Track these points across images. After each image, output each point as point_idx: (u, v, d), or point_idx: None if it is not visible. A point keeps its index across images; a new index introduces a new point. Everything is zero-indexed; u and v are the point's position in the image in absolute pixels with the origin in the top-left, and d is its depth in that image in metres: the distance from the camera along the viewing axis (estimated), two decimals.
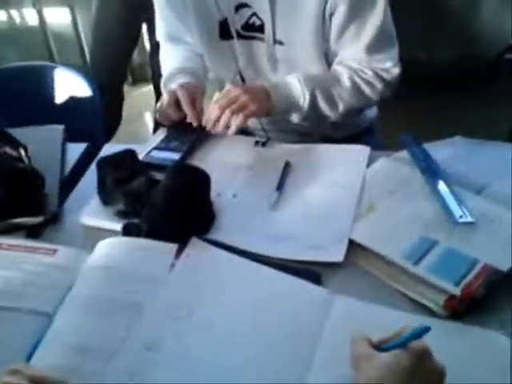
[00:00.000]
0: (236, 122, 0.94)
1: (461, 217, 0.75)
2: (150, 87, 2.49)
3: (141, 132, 2.50)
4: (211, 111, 0.97)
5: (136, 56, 2.99)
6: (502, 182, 0.83)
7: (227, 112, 0.94)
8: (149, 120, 2.80)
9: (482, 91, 2.56)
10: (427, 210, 0.79)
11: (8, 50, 3.36)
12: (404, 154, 0.94)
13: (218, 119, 0.96)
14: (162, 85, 1.18)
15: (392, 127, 1.35)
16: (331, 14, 0.99)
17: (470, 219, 0.75)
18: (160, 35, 1.23)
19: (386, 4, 0.99)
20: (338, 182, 0.89)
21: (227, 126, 0.95)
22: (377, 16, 0.99)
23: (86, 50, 2.90)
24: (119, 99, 2.27)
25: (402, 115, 2.16)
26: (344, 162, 0.94)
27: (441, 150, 0.93)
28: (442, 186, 0.82)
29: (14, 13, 3.21)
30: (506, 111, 2.26)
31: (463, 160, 0.90)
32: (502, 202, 0.78)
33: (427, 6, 2.73)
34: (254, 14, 1.04)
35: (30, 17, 3.01)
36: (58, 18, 3.03)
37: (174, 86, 1.08)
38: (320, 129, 1.15)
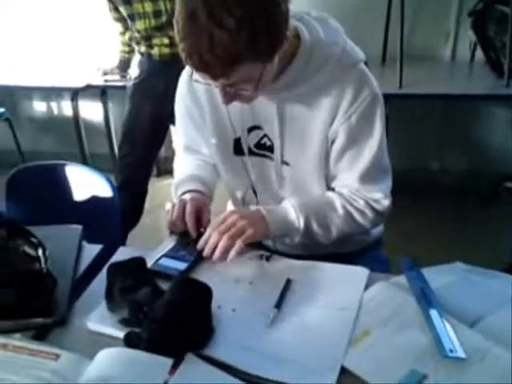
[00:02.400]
0: (235, 249, 0.99)
1: (451, 351, 0.77)
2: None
3: (162, 222, 2.59)
4: (209, 237, 1.02)
5: (162, 150, 3.17)
6: (496, 316, 0.85)
7: (225, 237, 1.00)
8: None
9: (485, 213, 2.61)
10: (419, 342, 0.80)
11: (44, 138, 3.60)
12: (402, 278, 0.97)
13: (216, 244, 1.01)
14: (172, 189, 1.25)
15: (398, 237, 1.39)
16: (332, 142, 1.08)
17: (460, 354, 0.76)
18: (177, 145, 1.33)
19: (382, 137, 1.07)
20: (336, 304, 0.92)
21: (226, 251, 1.00)
22: (372, 148, 1.07)
23: (115, 142, 3.08)
24: (143, 193, 2.38)
25: (411, 223, 2.21)
26: (343, 283, 0.97)
27: (438, 277, 0.95)
28: (435, 316, 0.84)
29: (54, 104, 3.48)
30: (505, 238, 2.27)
31: (460, 289, 0.93)
32: (494, 338, 0.79)
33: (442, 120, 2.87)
34: (266, 135, 1.14)
35: (67, 109, 3.25)
36: (92, 111, 3.26)
37: (183, 190, 1.17)
38: (325, 245, 1.19)
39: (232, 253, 1.00)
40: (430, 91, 2.34)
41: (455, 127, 2.82)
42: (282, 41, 0.89)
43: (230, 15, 0.81)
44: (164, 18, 2.10)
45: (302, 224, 1.08)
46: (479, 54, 2.57)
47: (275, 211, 1.09)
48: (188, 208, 1.09)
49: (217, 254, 1.00)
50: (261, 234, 1.06)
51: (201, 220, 1.11)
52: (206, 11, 0.81)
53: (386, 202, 1.12)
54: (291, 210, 1.08)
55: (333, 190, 1.15)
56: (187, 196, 1.15)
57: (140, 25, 2.13)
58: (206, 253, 1.02)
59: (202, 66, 0.87)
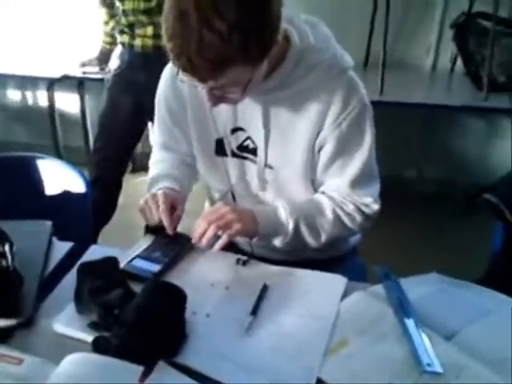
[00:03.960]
0: (219, 242, 0.99)
1: (428, 365, 0.76)
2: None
3: (136, 220, 2.54)
4: (198, 225, 1.02)
5: (139, 146, 3.11)
6: (472, 330, 0.84)
7: (212, 227, 0.99)
8: None
9: (460, 223, 2.63)
10: (396, 354, 0.79)
11: (17, 128, 3.50)
12: (379, 288, 0.96)
13: (203, 233, 1.00)
14: (147, 187, 1.22)
15: (373, 245, 1.38)
16: (320, 149, 1.06)
17: (437, 369, 0.75)
18: (155, 142, 1.30)
19: (372, 144, 1.06)
20: (313, 312, 0.90)
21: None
22: (362, 155, 1.06)
23: (91, 135, 3.02)
24: (117, 188, 2.33)
25: (388, 231, 2.22)
26: (320, 291, 0.96)
27: (415, 288, 0.95)
28: (412, 328, 0.83)
29: (29, 94, 3.38)
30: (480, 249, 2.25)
31: (437, 301, 0.92)
32: (470, 353, 0.79)
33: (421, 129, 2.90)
34: (249, 137, 1.11)
35: (42, 99, 3.16)
36: (68, 103, 3.18)
37: (157, 188, 1.14)
38: (304, 250, 1.17)
39: (216, 246, 1.00)
40: (410, 100, 2.36)
41: (433, 136, 2.85)
42: (272, 45, 0.88)
43: (222, 18, 0.79)
44: (153, 3, 2.04)
45: (291, 226, 1.06)
46: (460, 65, 2.60)
47: (266, 211, 1.08)
48: (161, 205, 1.06)
49: (204, 241, 1.00)
50: (248, 231, 1.05)
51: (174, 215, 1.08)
52: (197, 13, 0.79)
53: (376, 206, 1.11)
54: (282, 211, 1.07)
55: (322, 193, 1.13)
56: (159, 192, 1.12)
57: (128, 4, 2.06)
58: (194, 240, 1.03)
59: (190, 68, 0.85)
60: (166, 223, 1.06)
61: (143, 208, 1.09)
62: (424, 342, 0.80)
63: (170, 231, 1.06)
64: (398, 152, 2.93)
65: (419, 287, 0.96)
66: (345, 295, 0.94)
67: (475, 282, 1.00)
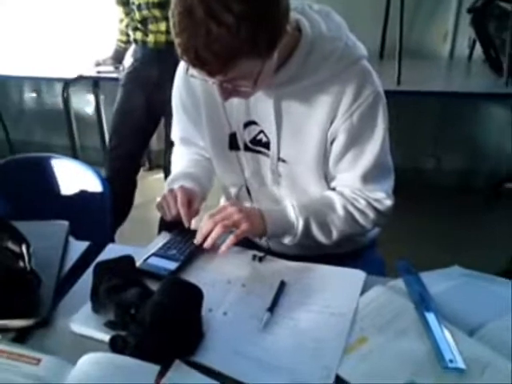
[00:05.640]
0: (226, 243, 0.98)
1: (451, 361, 0.73)
2: None
3: (153, 217, 2.55)
4: (204, 224, 1.01)
5: (154, 143, 3.12)
6: (497, 324, 0.81)
7: (219, 227, 0.98)
8: None
9: (482, 214, 2.58)
10: (417, 350, 0.77)
11: (35, 129, 3.55)
12: (399, 282, 0.93)
13: (209, 233, 0.99)
14: (165, 185, 1.22)
15: (392, 239, 1.36)
16: (332, 141, 1.04)
17: (460, 365, 0.73)
18: (175, 137, 1.30)
19: (385, 137, 1.03)
20: (331, 308, 0.88)
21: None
22: (374, 148, 1.03)
23: (106, 135, 3.03)
24: (132, 186, 2.34)
25: (406, 224, 2.18)
26: (339, 287, 0.94)
27: (437, 282, 0.92)
28: (434, 323, 0.81)
29: (45, 95, 3.42)
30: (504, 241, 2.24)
31: (459, 295, 0.90)
32: (495, 348, 0.76)
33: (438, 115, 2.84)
34: (262, 131, 1.10)
35: (58, 100, 3.19)
36: (84, 103, 3.21)
37: (175, 187, 1.13)
38: (321, 245, 1.15)
39: (222, 247, 0.99)
40: (427, 89, 2.31)
41: (452, 126, 2.79)
42: (282, 36, 0.86)
43: (229, 11, 0.77)
44: None
45: (300, 226, 1.05)
46: (478, 51, 2.53)
47: (274, 211, 1.07)
48: (179, 199, 1.06)
49: (208, 241, 0.99)
50: (256, 231, 1.03)
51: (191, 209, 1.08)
52: (203, 6, 0.78)
53: (388, 202, 1.09)
54: (291, 210, 1.05)
55: (333, 189, 1.11)
56: (176, 186, 1.12)
57: None
58: (197, 239, 1.01)
59: (198, 62, 0.84)
60: (183, 215, 1.06)
61: (161, 203, 1.10)
62: (446, 337, 0.78)
63: (186, 223, 1.06)
64: (416, 143, 2.89)
65: (441, 281, 0.93)
66: (364, 290, 0.92)
67: (499, 275, 0.97)
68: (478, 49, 2.50)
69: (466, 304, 0.87)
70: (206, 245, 1.00)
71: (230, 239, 0.98)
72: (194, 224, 1.09)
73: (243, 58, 0.82)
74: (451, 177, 2.88)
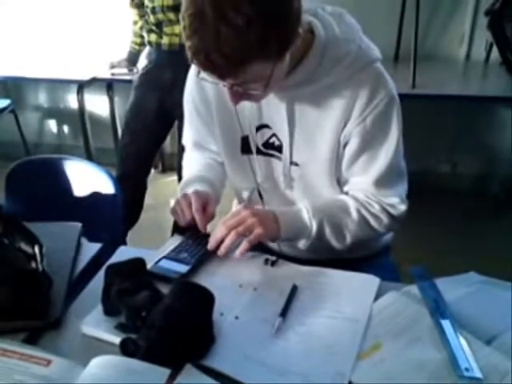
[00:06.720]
0: (240, 249, 0.97)
1: (467, 370, 0.72)
2: None
3: (165, 220, 2.55)
4: (218, 230, 1.00)
5: (168, 146, 3.13)
6: None
7: (233, 233, 0.97)
8: None
9: (498, 219, 2.54)
10: (432, 359, 0.75)
11: (50, 130, 3.58)
12: (414, 288, 0.92)
13: (222, 238, 0.98)
14: (178, 189, 1.21)
15: (406, 244, 1.34)
16: (345, 145, 1.03)
17: (477, 374, 0.71)
18: (186, 141, 1.30)
19: (399, 141, 1.02)
20: (345, 314, 0.87)
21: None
22: (388, 152, 1.02)
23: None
24: (143, 188, 2.33)
25: (420, 229, 2.15)
26: (352, 292, 0.93)
27: (452, 288, 0.90)
28: (449, 330, 0.79)
29: (60, 97, 3.45)
30: None
31: (476, 302, 0.88)
32: None
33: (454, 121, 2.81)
34: (274, 134, 1.09)
35: (73, 102, 3.22)
36: (98, 105, 3.23)
37: (189, 191, 1.12)
38: (334, 249, 1.14)
39: (237, 253, 0.98)
40: (443, 92, 2.28)
41: (468, 130, 2.76)
42: (293, 39, 0.85)
43: (239, 13, 0.76)
44: None
45: (314, 228, 1.03)
46: (495, 54, 2.50)
47: (288, 213, 1.05)
48: (194, 204, 1.06)
49: (222, 249, 0.98)
50: (270, 235, 1.02)
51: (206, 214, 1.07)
52: (213, 9, 0.77)
53: (402, 207, 1.07)
54: (305, 213, 1.04)
55: (347, 193, 1.10)
56: (190, 191, 1.11)
57: (158, 1, 2.07)
58: (210, 245, 1.00)
59: (208, 66, 0.83)
60: (198, 221, 1.05)
61: (175, 208, 1.09)
62: (462, 345, 0.76)
63: (201, 228, 1.05)
64: (431, 146, 2.85)
65: (456, 288, 0.91)
66: (377, 296, 0.91)
67: None
68: (495, 52, 2.48)
69: (482, 311, 0.85)
70: (220, 253, 0.99)
71: (244, 245, 0.97)
72: (208, 227, 1.09)
73: (254, 61, 0.81)
74: (467, 181, 2.84)
